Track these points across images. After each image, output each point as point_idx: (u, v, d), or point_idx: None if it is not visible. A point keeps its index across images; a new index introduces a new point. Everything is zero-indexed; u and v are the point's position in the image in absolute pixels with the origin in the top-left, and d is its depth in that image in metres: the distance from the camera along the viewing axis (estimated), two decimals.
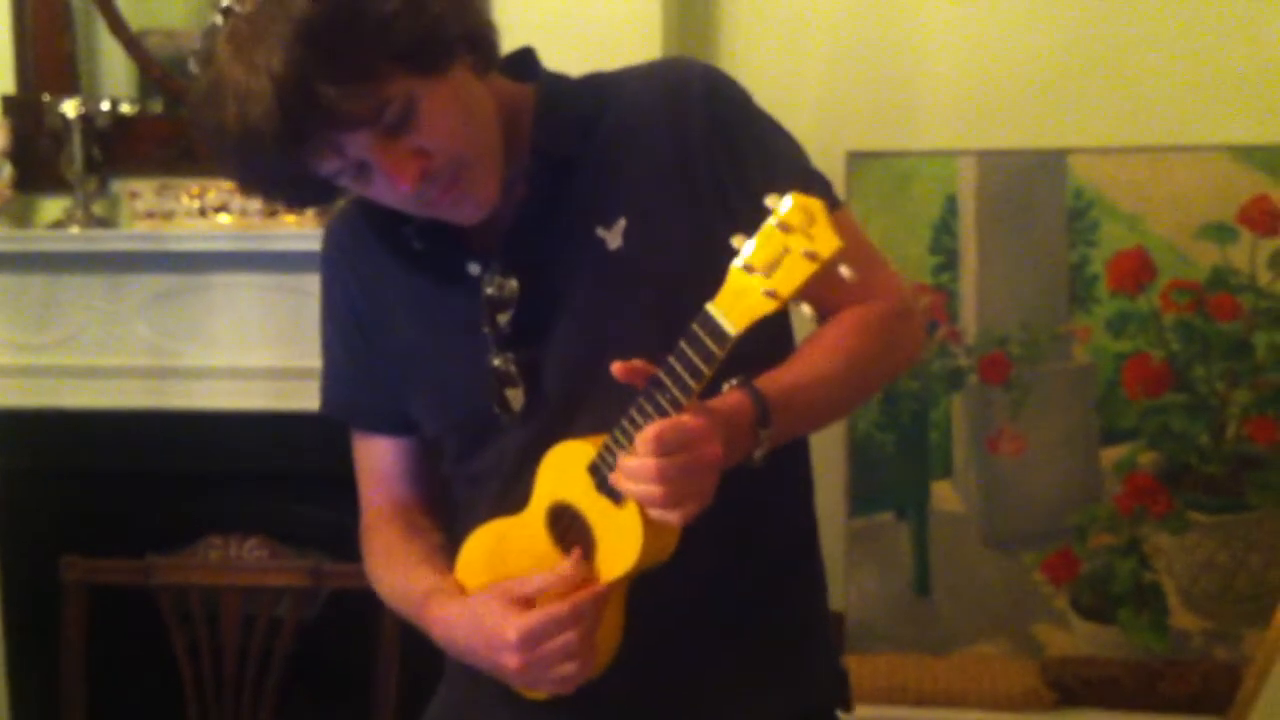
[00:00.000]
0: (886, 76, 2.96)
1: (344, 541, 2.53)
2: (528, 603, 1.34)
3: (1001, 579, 2.88)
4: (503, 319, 1.41)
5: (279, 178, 1.33)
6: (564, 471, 1.35)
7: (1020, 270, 2.84)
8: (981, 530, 2.89)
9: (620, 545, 1.31)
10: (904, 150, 2.88)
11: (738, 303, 1.18)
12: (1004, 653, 2.88)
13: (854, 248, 1.31)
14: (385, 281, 1.50)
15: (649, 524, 1.28)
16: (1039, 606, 2.87)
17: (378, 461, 1.60)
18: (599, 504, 1.32)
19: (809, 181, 1.40)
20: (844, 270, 1.15)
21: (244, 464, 2.99)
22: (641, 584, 1.36)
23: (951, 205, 2.86)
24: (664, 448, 1.20)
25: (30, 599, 3.03)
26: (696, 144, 1.39)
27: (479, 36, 1.35)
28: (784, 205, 1.15)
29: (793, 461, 1.51)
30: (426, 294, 1.48)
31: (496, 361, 1.42)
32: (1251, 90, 2.85)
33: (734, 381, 1.30)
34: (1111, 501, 2.84)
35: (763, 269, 1.16)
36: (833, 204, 1.39)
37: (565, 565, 1.34)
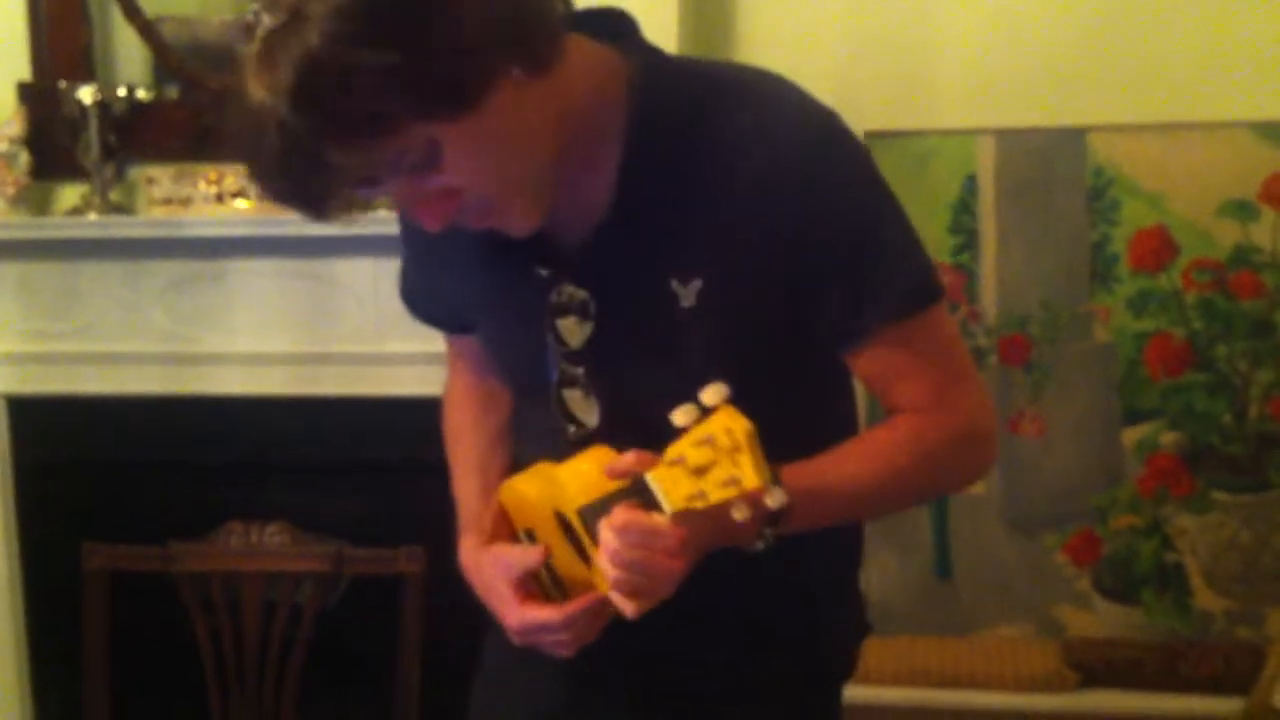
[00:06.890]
0: (904, 55, 2.93)
1: (365, 529, 2.53)
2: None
3: (1023, 561, 2.87)
4: (567, 325, 1.36)
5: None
6: (587, 481, 1.31)
7: (1040, 249, 2.82)
8: (1002, 512, 2.88)
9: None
10: (922, 129, 2.86)
11: (673, 489, 1.16)
12: (1025, 634, 2.87)
13: (936, 351, 1.34)
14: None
15: None
16: (1060, 588, 2.87)
17: (462, 345, 1.60)
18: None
19: (912, 299, 1.32)
20: (737, 514, 1.13)
21: (264, 451, 2.98)
22: None
23: (971, 184, 2.84)
24: (626, 538, 1.19)
25: (51, 587, 3.04)
26: (812, 236, 1.28)
27: (523, 44, 1.17)
28: (713, 420, 1.12)
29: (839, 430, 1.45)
30: (496, 278, 1.42)
31: (566, 394, 1.40)
32: (1272, 65, 2.82)
33: None
34: (1133, 482, 2.83)
35: (694, 469, 1.14)
36: (932, 298, 1.34)
37: (555, 613, 1.36)
